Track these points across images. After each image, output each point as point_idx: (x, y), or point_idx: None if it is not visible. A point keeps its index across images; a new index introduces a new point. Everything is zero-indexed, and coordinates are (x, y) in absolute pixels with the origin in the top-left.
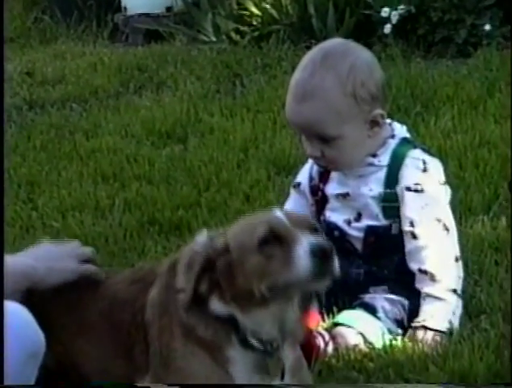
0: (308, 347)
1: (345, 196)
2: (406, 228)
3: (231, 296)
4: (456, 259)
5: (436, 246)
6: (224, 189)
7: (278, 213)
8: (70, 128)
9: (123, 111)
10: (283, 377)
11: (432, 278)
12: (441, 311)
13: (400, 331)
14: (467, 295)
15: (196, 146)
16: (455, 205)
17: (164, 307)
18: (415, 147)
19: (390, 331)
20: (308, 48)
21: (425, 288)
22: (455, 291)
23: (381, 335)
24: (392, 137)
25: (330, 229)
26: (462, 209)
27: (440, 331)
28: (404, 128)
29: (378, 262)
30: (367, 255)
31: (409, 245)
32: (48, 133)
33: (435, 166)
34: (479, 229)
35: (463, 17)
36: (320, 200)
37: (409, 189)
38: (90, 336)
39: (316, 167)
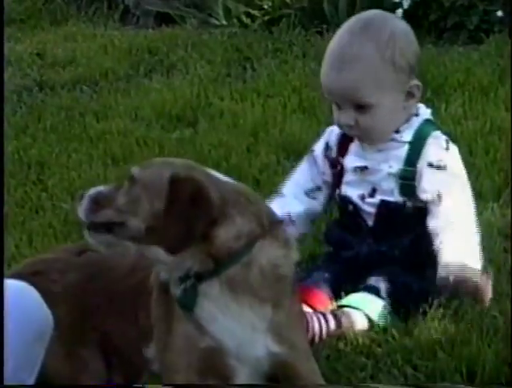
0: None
1: (363, 169)
2: (430, 198)
3: None
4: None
5: (459, 207)
6: (233, 173)
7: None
8: (80, 110)
9: (133, 94)
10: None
11: (454, 229)
12: (468, 251)
13: (403, 310)
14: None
15: (206, 130)
16: None
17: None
18: (438, 129)
19: (395, 312)
20: (320, 33)
21: (447, 236)
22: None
23: (385, 313)
24: (416, 115)
25: (345, 203)
26: (473, 195)
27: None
28: (429, 111)
29: (389, 241)
30: (379, 232)
31: (434, 209)
32: (58, 115)
33: (456, 150)
34: (488, 215)
35: (475, 3)
36: (338, 173)
37: (431, 165)
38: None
39: (334, 138)
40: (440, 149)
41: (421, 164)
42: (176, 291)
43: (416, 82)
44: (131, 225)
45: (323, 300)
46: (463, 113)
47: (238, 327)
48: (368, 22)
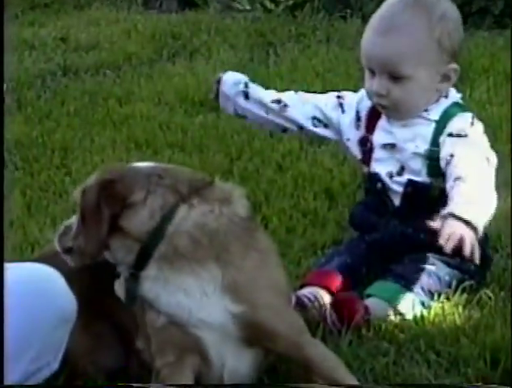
0: (351, 310)
1: (392, 146)
2: (446, 159)
3: None
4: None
5: (473, 164)
6: (256, 158)
7: None
8: (104, 95)
9: (156, 79)
10: None
11: (465, 181)
12: (476, 206)
13: (433, 303)
14: (499, 268)
15: (229, 115)
16: None
17: None
18: (467, 111)
19: (423, 304)
20: (343, 17)
21: (459, 186)
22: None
23: (413, 307)
24: (446, 97)
25: (374, 181)
26: (496, 182)
27: (467, 222)
28: (459, 95)
29: (414, 222)
30: (405, 213)
31: (448, 169)
32: (82, 99)
33: (481, 127)
34: None
35: None
36: (368, 151)
37: (451, 135)
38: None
39: (364, 112)
40: (464, 123)
41: (443, 137)
42: (117, 286)
43: (455, 66)
44: (74, 249)
45: (343, 285)
46: (488, 99)
47: (184, 297)
48: None
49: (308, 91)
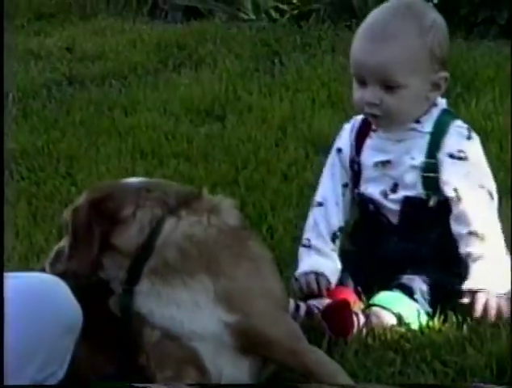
0: (342, 323)
1: (385, 163)
2: (450, 194)
3: None
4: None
5: (482, 209)
6: (261, 167)
7: None
8: (109, 105)
9: (161, 88)
10: None
11: (482, 239)
12: (497, 273)
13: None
14: None
15: (234, 124)
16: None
17: None
18: (457, 118)
19: (428, 314)
20: (349, 27)
21: (476, 249)
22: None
23: (417, 317)
24: (435, 105)
25: (365, 202)
26: (502, 192)
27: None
28: (444, 100)
29: (414, 238)
30: (403, 230)
31: (455, 209)
32: (88, 109)
33: (477, 139)
34: None
35: None
36: (356, 173)
37: (452, 156)
38: None
39: (353, 136)
40: (461, 139)
41: (442, 155)
42: (112, 303)
43: (445, 74)
44: (69, 272)
45: (348, 296)
46: (494, 108)
47: (176, 310)
48: (411, 4)
49: (313, 101)
